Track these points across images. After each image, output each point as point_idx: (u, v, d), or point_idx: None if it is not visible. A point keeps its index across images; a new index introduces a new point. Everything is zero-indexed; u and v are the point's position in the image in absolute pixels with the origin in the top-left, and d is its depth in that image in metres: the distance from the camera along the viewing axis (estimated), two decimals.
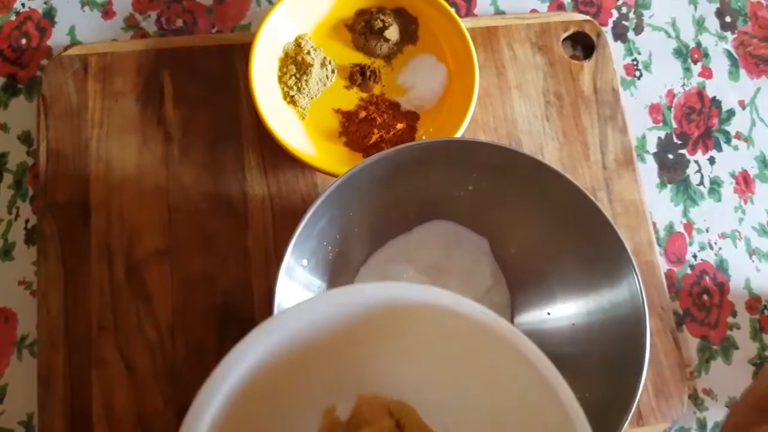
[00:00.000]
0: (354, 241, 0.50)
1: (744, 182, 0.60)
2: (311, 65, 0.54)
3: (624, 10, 0.63)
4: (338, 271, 0.50)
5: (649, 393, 0.52)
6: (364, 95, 0.56)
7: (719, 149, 0.61)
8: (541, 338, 0.47)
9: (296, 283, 0.45)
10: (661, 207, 0.58)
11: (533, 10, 0.62)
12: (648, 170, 0.59)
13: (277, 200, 0.54)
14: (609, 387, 0.42)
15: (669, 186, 0.59)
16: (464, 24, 0.54)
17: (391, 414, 0.37)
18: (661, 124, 0.60)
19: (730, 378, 0.55)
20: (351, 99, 0.56)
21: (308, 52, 0.55)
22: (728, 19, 0.64)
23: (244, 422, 0.31)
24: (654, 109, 0.61)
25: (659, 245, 0.57)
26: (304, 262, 0.47)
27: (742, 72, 0.63)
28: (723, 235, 0.58)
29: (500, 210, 0.50)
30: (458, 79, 0.55)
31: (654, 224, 0.57)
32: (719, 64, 0.63)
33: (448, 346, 0.34)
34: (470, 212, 0.51)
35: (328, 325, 0.33)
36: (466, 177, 0.48)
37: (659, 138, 0.60)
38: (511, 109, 0.58)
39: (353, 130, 0.54)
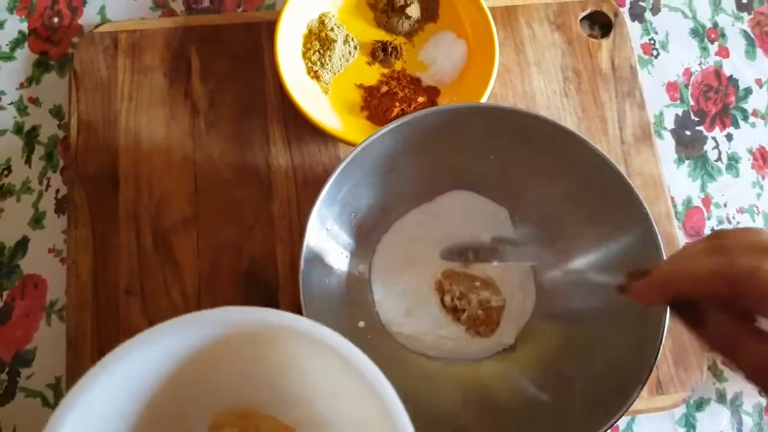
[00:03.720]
0: (376, 210, 0.51)
1: (761, 158, 0.60)
2: (334, 41, 0.56)
3: None
4: (362, 238, 0.51)
5: (668, 362, 0.53)
6: (386, 71, 0.57)
7: (736, 126, 0.61)
8: (560, 294, 0.48)
9: (322, 244, 0.47)
10: (679, 182, 0.59)
11: None
12: (666, 146, 0.60)
13: (301, 171, 0.55)
14: (629, 343, 0.42)
15: (687, 162, 0.59)
16: (483, 2, 0.56)
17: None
18: (678, 102, 0.61)
19: None
20: (373, 75, 0.57)
21: (332, 29, 0.56)
22: None
23: None
24: (671, 87, 0.61)
25: (677, 219, 0.57)
26: (328, 225, 0.48)
27: (759, 51, 0.63)
28: (741, 210, 0.59)
29: (520, 179, 0.50)
30: (478, 54, 0.56)
31: (672, 199, 0.58)
32: (736, 43, 0.63)
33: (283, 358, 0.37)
34: (491, 182, 0.52)
35: (170, 355, 0.35)
36: (488, 146, 0.49)
37: (676, 115, 0.61)
38: (530, 85, 0.59)
39: (375, 104, 0.56)
